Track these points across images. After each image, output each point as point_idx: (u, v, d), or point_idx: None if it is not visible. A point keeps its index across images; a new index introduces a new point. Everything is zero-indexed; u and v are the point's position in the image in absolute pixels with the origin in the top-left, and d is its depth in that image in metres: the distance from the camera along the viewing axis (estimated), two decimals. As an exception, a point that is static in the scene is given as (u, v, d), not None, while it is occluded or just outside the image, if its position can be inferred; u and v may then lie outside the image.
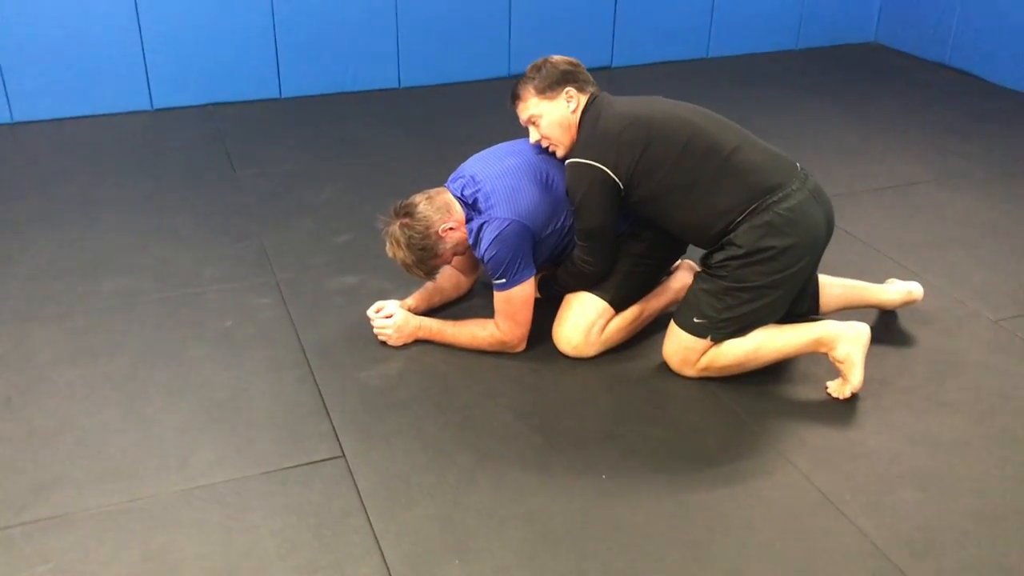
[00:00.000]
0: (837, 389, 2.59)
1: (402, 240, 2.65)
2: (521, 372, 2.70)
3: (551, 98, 2.65)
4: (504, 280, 2.66)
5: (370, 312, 2.84)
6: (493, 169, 2.72)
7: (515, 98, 2.72)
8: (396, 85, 5.18)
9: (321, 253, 3.38)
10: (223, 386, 2.61)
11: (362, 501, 2.20)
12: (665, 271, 2.90)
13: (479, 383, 2.64)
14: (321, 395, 2.58)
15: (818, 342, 2.56)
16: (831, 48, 6.08)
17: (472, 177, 2.72)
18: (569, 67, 2.67)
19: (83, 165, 4.14)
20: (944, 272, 3.28)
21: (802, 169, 2.58)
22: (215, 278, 3.18)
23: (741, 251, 2.47)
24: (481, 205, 2.66)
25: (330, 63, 5.00)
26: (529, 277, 2.68)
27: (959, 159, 4.31)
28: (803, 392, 2.64)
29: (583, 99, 2.65)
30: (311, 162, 4.21)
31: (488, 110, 4.89)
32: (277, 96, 4.96)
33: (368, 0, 4.94)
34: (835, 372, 2.63)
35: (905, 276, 3.12)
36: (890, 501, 2.23)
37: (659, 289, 2.88)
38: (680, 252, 2.88)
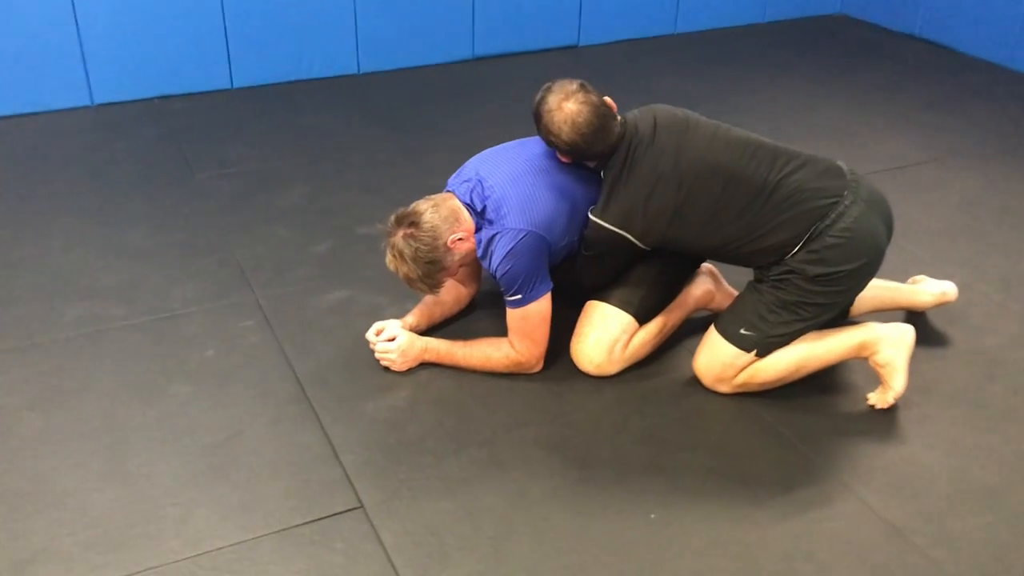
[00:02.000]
0: (878, 399, 2.43)
1: (407, 253, 2.40)
2: (542, 396, 2.48)
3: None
4: (520, 296, 2.43)
5: (370, 335, 2.59)
6: (504, 173, 2.48)
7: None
8: (356, 71, 4.86)
9: (301, 265, 3.10)
10: (214, 428, 2.34)
11: (391, 560, 1.96)
12: (688, 278, 2.70)
13: (498, 412, 2.42)
14: (326, 434, 2.32)
15: (861, 347, 2.39)
16: (798, 20, 5.92)
17: (480, 181, 2.48)
18: (569, 147, 2.40)
19: (23, 171, 3.76)
20: (961, 261, 3.14)
21: (852, 174, 2.38)
22: (188, 299, 2.89)
23: (806, 273, 2.28)
24: (491, 214, 2.42)
25: (284, 49, 4.66)
26: (546, 292, 2.45)
27: (951, 137, 4.19)
28: (844, 404, 2.47)
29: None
30: (274, 159, 3.90)
31: (454, 97, 4.62)
32: (228, 86, 4.61)
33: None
34: (874, 380, 2.47)
35: (920, 266, 2.99)
36: (960, 526, 2.08)
37: (680, 299, 2.67)
38: (704, 258, 2.68)
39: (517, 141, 2.65)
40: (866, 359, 2.43)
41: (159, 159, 3.88)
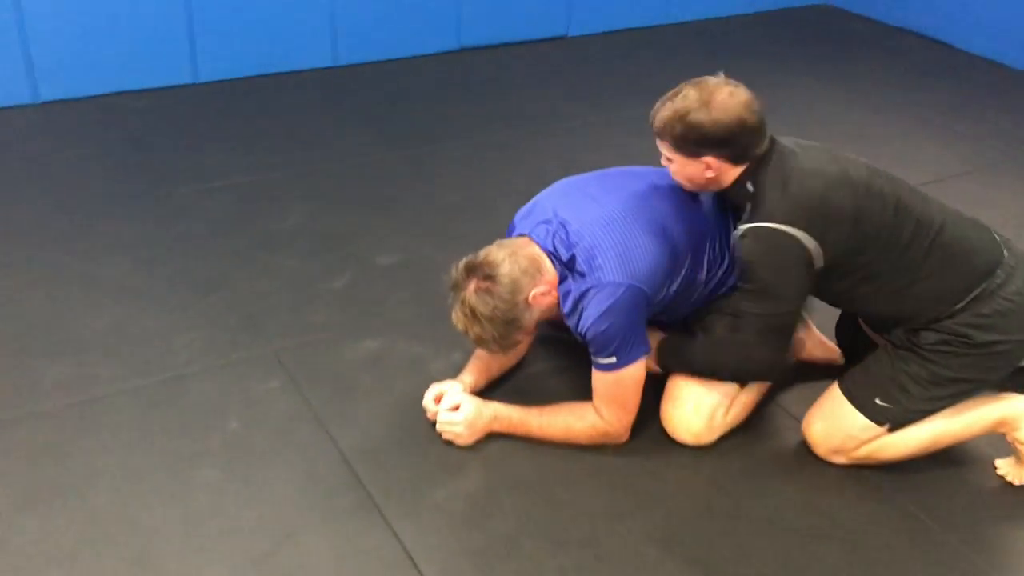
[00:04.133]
0: (1013, 472, 2.16)
1: (483, 311, 2.01)
2: (637, 476, 2.13)
3: (687, 156, 2.01)
4: (614, 359, 2.08)
5: (428, 402, 2.21)
6: (592, 214, 2.11)
7: (652, 121, 2.03)
8: (332, 63, 4.39)
9: (319, 305, 2.68)
10: (260, 530, 1.93)
11: None
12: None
13: (592, 498, 2.06)
14: (396, 535, 1.93)
15: (1000, 423, 2.11)
16: (785, 11, 5.67)
17: (563, 224, 2.11)
18: (728, 132, 1.95)
19: (-37, 185, 3.23)
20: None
21: (1000, 236, 2.09)
22: (193, 352, 2.44)
23: (971, 340, 1.98)
24: (583, 265, 2.06)
25: (254, 39, 4.16)
26: (644, 354, 2.10)
27: (982, 145, 3.97)
28: (974, 476, 2.19)
29: (732, 170, 2.01)
30: (261, 169, 3.43)
31: (442, 92, 4.22)
32: (192, 81, 4.10)
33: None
34: (998, 442, 2.21)
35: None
36: None
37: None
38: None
39: (594, 174, 2.30)
40: (1002, 435, 2.15)
41: (128, 170, 3.38)
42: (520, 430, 2.20)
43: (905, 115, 4.25)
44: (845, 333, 2.48)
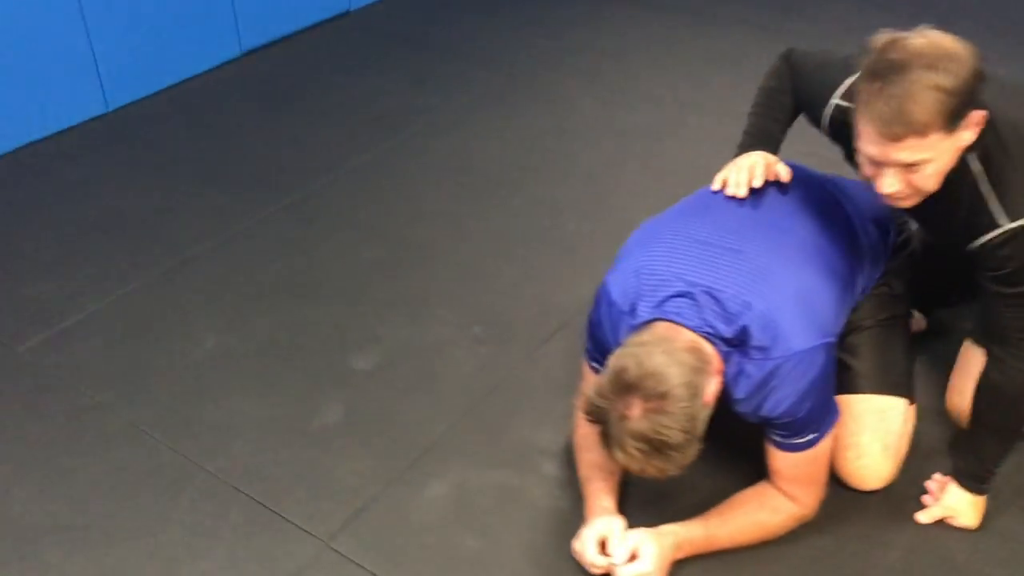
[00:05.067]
0: None
1: (669, 438, 1.50)
2: (857, 550, 1.78)
3: (955, 131, 1.49)
4: (814, 435, 1.69)
5: (593, 556, 1.70)
6: (739, 269, 1.67)
7: (903, 131, 1.45)
8: (103, 110, 3.45)
9: (331, 454, 2.03)
10: None
11: None
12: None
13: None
14: None
15: None
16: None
17: (708, 291, 1.64)
18: (978, 63, 1.48)
19: None
20: None
21: None
22: (220, 590, 1.74)
23: None
24: (760, 337, 1.61)
25: (6, 107, 3.15)
26: (837, 420, 1.74)
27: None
28: None
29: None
30: (110, 285, 2.57)
31: (261, 111, 3.50)
32: (-65, 179, 3.05)
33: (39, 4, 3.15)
34: None
35: None
36: None
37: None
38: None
39: (688, 210, 1.89)
40: None
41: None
42: (707, 548, 1.77)
43: (739, 26, 4.08)
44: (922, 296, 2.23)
